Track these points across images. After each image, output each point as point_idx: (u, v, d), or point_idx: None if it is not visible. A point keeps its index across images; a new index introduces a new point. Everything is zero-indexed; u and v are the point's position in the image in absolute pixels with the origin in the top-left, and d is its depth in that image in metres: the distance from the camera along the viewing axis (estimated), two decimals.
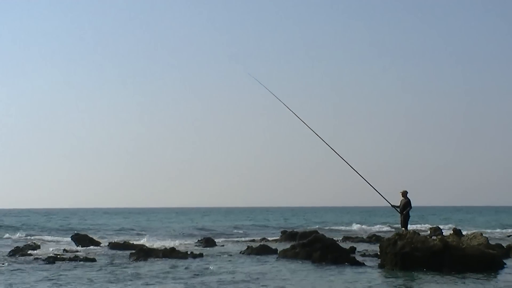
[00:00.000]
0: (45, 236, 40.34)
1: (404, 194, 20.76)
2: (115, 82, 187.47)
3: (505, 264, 19.24)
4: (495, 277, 17.33)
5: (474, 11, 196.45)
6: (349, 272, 18.75)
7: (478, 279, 16.61)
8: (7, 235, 40.31)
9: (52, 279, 17.36)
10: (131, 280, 17.05)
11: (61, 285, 16.33)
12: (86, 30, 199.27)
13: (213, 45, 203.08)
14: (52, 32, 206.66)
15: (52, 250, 27.87)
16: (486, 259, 18.33)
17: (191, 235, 42.25)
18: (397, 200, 20.64)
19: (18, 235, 41.02)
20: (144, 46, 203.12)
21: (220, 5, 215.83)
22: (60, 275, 18.34)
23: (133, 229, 50.85)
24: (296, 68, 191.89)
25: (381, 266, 19.40)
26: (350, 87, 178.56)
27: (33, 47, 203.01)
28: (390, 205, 20.39)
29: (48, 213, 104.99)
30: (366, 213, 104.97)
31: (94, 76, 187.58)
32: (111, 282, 16.75)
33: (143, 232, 45.62)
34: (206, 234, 40.87)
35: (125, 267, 20.35)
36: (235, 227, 54.72)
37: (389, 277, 17.51)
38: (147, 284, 16.25)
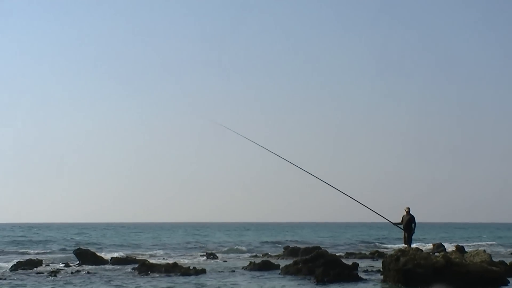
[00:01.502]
0: (48, 251, 40.27)
1: (408, 210, 20.77)
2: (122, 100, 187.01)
3: (508, 281, 19.12)
4: None
5: (475, 25, 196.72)
6: None
7: None
8: (13, 250, 40.31)
9: None
10: None
11: None
12: (90, 43, 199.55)
13: (213, 57, 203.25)
14: (51, 40, 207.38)
15: (54, 265, 27.83)
16: (489, 276, 18.22)
17: (194, 250, 42.15)
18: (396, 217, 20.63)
19: (22, 249, 41.04)
20: (150, 60, 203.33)
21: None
22: None
23: (137, 244, 50.72)
24: (293, 81, 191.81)
25: (383, 282, 19.33)
26: (348, 102, 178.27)
27: (35, 54, 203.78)
28: (391, 223, 20.31)
29: (56, 228, 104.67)
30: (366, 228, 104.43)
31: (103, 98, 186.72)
32: None
33: (147, 247, 45.65)
34: (209, 249, 40.75)
35: (125, 282, 20.30)
36: (238, 243, 54.50)
37: None
38: None
